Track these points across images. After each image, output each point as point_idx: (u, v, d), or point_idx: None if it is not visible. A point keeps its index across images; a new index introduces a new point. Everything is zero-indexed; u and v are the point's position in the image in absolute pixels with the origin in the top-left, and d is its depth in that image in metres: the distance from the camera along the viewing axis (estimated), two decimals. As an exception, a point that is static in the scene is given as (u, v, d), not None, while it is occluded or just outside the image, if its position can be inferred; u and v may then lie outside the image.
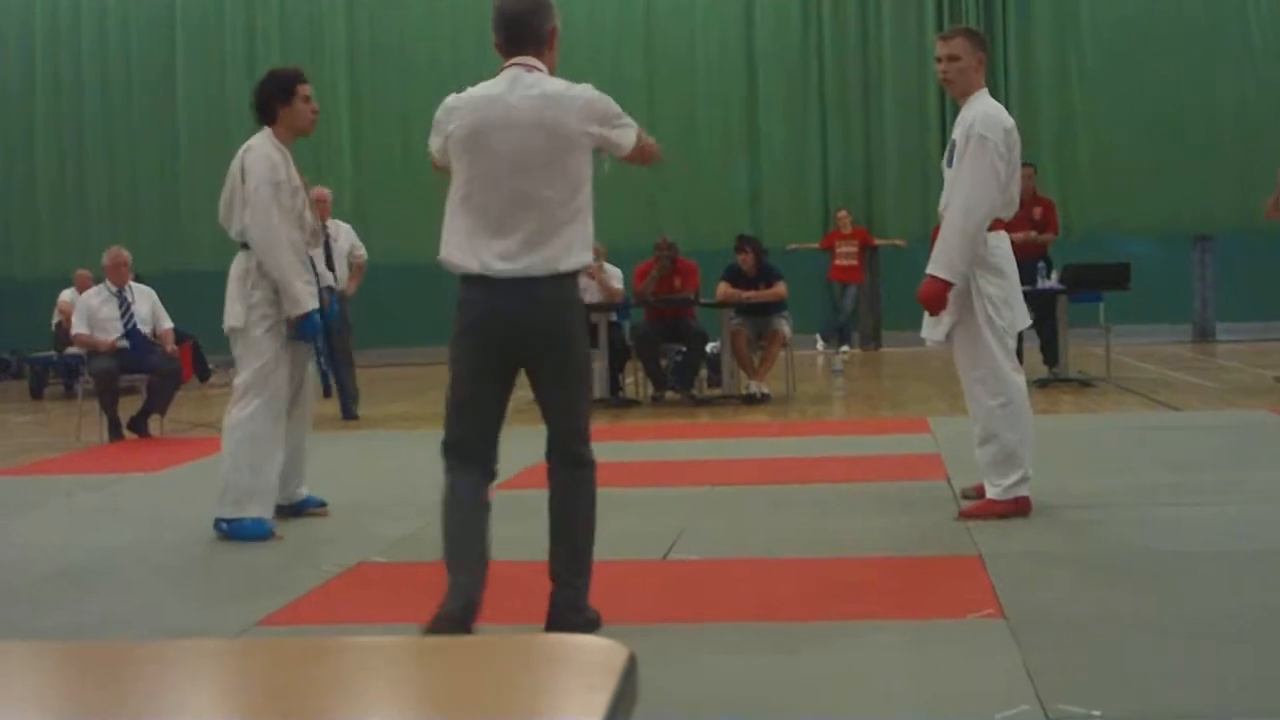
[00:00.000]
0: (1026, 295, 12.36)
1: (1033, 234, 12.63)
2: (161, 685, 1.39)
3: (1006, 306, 6.12)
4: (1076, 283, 12.40)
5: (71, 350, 13.00)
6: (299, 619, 4.96)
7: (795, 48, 19.29)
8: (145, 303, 10.98)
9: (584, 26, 19.52)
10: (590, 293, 12.23)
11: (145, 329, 10.88)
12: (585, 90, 4.67)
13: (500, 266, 4.43)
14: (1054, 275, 12.38)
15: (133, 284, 11.03)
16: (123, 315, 10.82)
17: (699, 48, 19.38)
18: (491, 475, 4.71)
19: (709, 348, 12.34)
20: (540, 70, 4.66)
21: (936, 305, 6.07)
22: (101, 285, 11.02)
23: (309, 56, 19.91)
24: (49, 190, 20.34)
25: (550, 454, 4.69)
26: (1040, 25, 18.88)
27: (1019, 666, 3.96)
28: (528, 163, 4.47)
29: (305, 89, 6.73)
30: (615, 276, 12.39)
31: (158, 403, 10.86)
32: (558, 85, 4.64)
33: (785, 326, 12.10)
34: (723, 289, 12.13)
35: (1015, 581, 4.98)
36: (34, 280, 18.67)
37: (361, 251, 11.91)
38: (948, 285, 6.00)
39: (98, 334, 10.71)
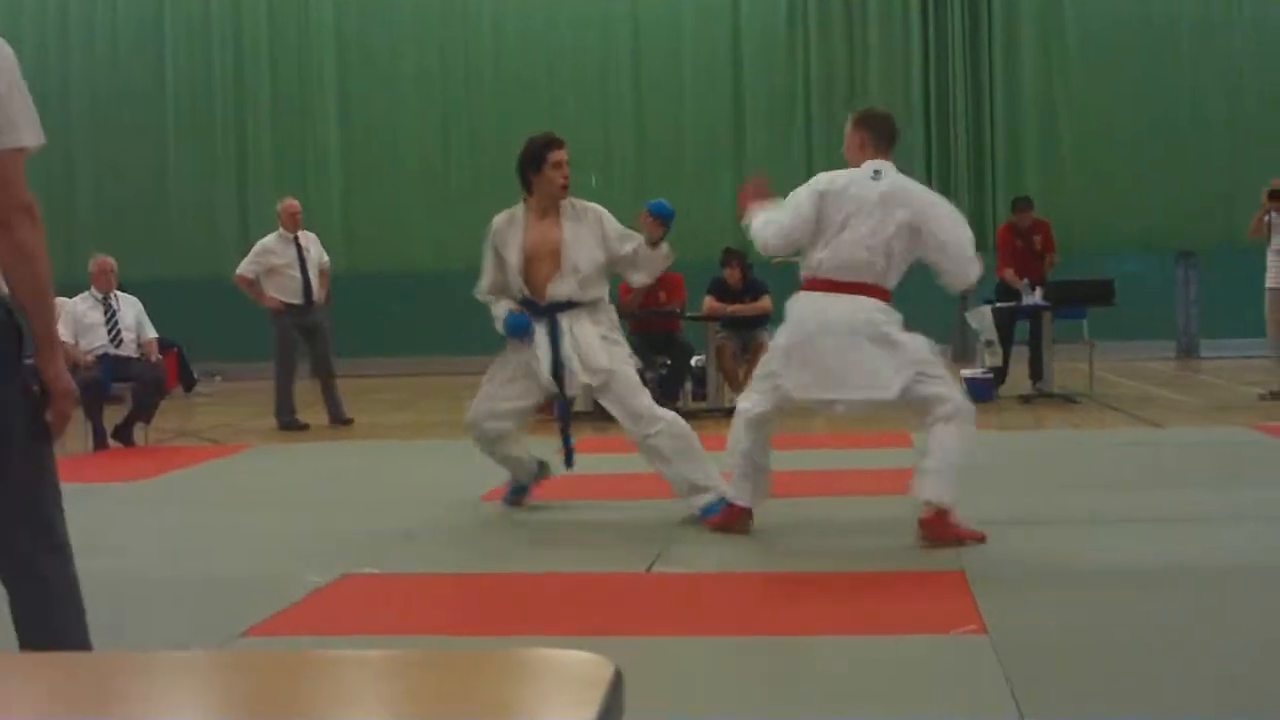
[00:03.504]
0: (1012, 311, 12.53)
1: (1045, 274, 12.75)
2: (145, 696, 1.40)
3: (784, 362, 6.29)
4: (1060, 299, 12.47)
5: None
6: (284, 630, 4.96)
7: (781, 63, 19.35)
8: (130, 311, 11.01)
9: (570, 42, 19.59)
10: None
11: (130, 336, 10.90)
12: None
13: None
14: (1038, 291, 12.44)
15: (118, 293, 11.06)
16: (108, 322, 10.84)
17: (686, 63, 19.44)
18: None
19: (694, 361, 12.36)
20: None
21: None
22: (88, 293, 11.02)
23: (297, 66, 19.97)
24: (36, 197, 20.28)
25: None
26: (1025, 43, 18.97)
27: (1001, 682, 3.98)
28: None
29: (556, 155, 6.88)
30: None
31: (142, 411, 10.86)
32: None
33: (770, 340, 12.10)
34: (708, 302, 12.16)
35: (998, 597, 4.99)
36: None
37: (325, 258, 12.12)
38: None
39: (83, 340, 10.72)
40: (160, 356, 11.36)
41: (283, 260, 11.80)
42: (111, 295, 10.98)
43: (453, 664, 1.47)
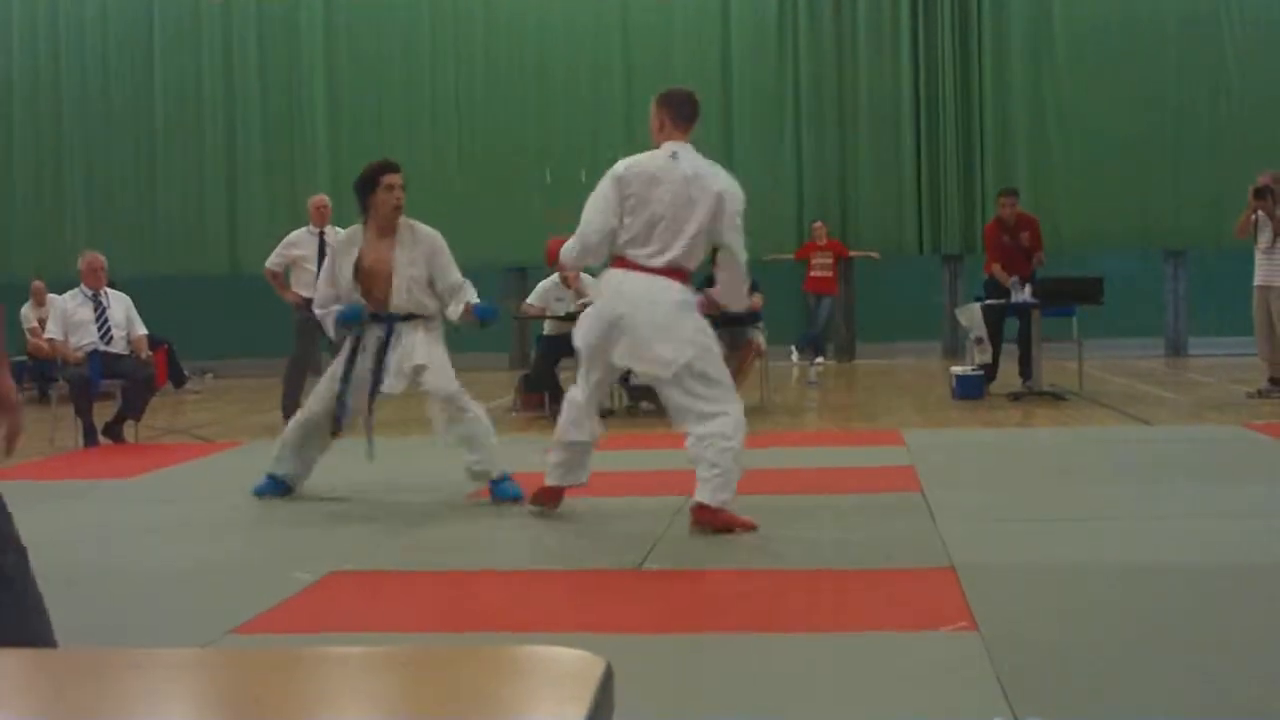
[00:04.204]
0: (1001, 309, 12.55)
1: (1035, 267, 12.80)
2: (133, 694, 1.39)
3: (591, 337, 6.52)
4: (1050, 296, 12.48)
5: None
6: (270, 628, 4.95)
7: (771, 61, 19.35)
8: (120, 308, 10.99)
9: (562, 44, 19.57)
10: (567, 302, 12.26)
11: (120, 333, 10.87)
12: None
13: None
14: (1028, 288, 12.45)
15: (108, 290, 11.03)
16: (98, 319, 10.81)
17: (676, 62, 19.40)
18: None
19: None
20: None
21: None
22: (77, 289, 11.00)
23: (287, 65, 19.93)
24: (25, 194, 20.26)
25: None
26: (1014, 42, 18.98)
27: (991, 679, 3.98)
28: None
29: (389, 179, 7.35)
30: (592, 287, 12.40)
31: (132, 408, 10.84)
32: None
33: (759, 337, 12.14)
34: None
35: (988, 594, 5.00)
36: (8, 285, 18.56)
37: None
38: None
39: (73, 337, 10.70)
40: (150, 353, 11.34)
41: (303, 253, 11.81)
42: (101, 292, 10.96)
43: (442, 661, 1.47)
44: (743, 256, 6.56)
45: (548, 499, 6.90)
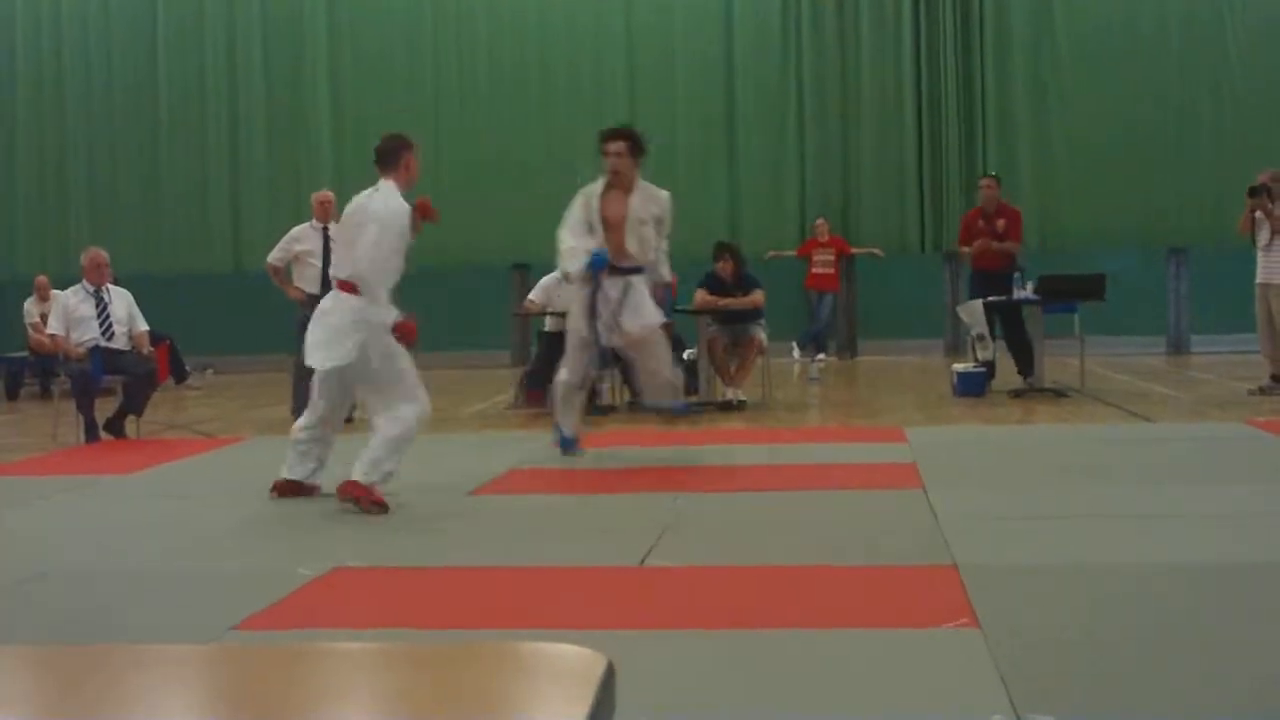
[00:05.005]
0: (1001, 306, 12.55)
1: (992, 243, 12.81)
2: (136, 690, 1.39)
3: None
4: (1052, 293, 12.46)
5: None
6: (274, 624, 4.95)
7: (775, 58, 19.35)
8: (122, 304, 10.99)
9: (564, 40, 19.57)
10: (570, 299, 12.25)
11: (121, 329, 10.88)
12: None
13: None
14: (1029, 286, 12.45)
15: (110, 286, 11.04)
16: (100, 315, 10.81)
17: (679, 59, 19.42)
18: None
19: (685, 354, 12.36)
20: None
21: None
22: (79, 285, 11.00)
23: (290, 66, 19.93)
24: (28, 190, 20.27)
25: None
26: (1017, 40, 18.99)
27: (993, 676, 3.98)
28: None
29: (605, 146, 8.53)
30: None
31: (134, 404, 10.84)
32: None
33: (762, 334, 12.14)
34: (700, 296, 12.15)
35: (990, 592, 5.00)
36: (10, 281, 18.60)
37: None
38: None
39: (75, 333, 10.71)
40: (152, 349, 11.34)
41: (305, 248, 11.81)
42: (104, 288, 10.96)
43: (445, 658, 1.47)
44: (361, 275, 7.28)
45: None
